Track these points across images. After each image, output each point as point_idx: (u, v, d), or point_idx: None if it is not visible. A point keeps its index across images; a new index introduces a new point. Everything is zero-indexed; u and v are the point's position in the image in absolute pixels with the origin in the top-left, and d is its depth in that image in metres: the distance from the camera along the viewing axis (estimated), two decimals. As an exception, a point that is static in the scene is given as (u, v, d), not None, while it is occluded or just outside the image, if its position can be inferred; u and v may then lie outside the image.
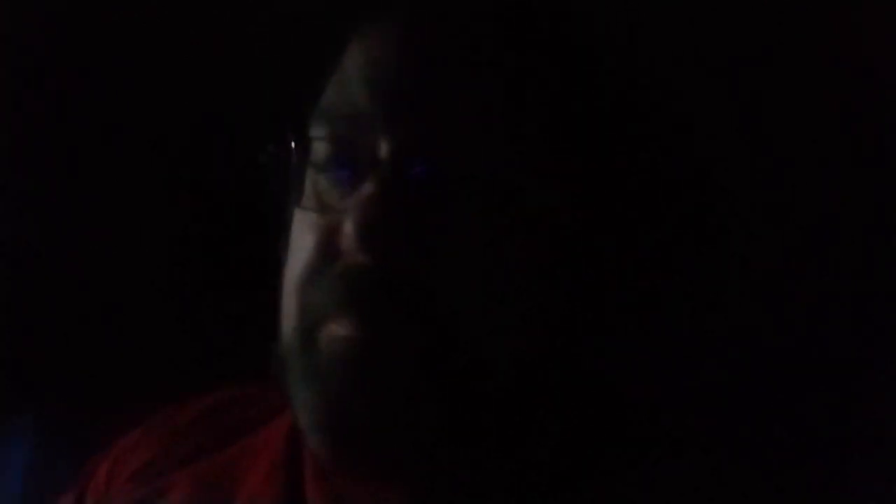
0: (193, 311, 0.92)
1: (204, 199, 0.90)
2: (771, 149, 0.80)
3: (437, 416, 0.62)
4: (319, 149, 0.65)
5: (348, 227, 0.61)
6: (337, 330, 0.62)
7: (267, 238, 0.69)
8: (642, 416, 0.70)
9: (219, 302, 0.90)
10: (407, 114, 0.62)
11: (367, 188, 0.61)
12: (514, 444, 0.65)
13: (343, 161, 0.64)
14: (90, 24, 0.90)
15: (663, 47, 0.71)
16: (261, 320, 0.67)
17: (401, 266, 0.61)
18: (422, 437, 0.62)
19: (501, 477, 0.65)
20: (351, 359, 0.61)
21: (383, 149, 0.62)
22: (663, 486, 0.65)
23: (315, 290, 0.63)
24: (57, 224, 0.96)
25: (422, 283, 0.61)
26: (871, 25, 0.78)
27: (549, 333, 0.65)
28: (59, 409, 0.96)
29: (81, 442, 0.85)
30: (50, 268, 0.95)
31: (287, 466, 0.70)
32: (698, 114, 0.72)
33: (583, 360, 0.68)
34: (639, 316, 0.69)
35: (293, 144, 0.65)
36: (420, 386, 0.61)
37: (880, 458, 0.75)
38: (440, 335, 0.61)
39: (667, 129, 0.69)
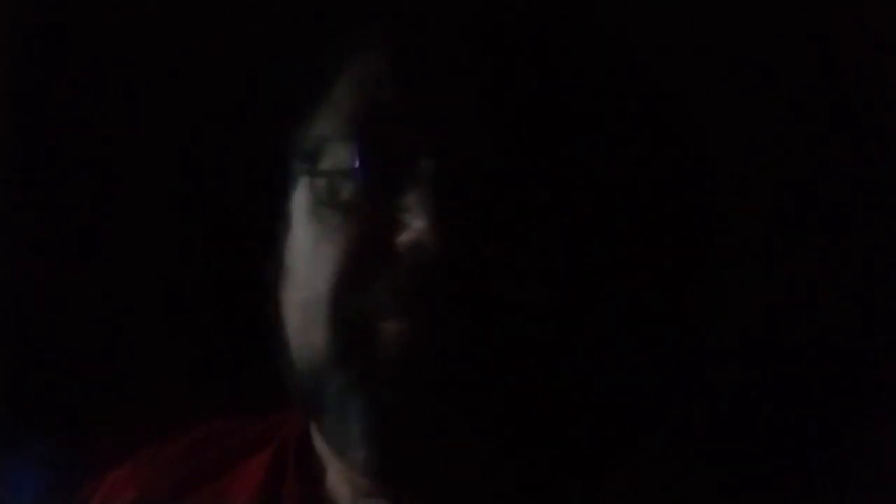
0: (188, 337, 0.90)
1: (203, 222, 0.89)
2: (768, 152, 0.79)
3: (515, 420, 0.62)
4: (341, 151, 0.64)
5: (417, 224, 0.60)
6: (395, 328, 0.61)
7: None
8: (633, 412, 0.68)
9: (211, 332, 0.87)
10: (438, 116, 0.62)
11: (422, 186, 0.61)
12: (584, 454, 0.64)
13: (371, 164, 0.63)
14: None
15: (657, 49, 0.70)
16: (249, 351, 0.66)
17: (469, 259, 0.61)
18: (497, 445, 0.62)
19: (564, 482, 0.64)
20: (419, 361, 0.60)
21: (423, 150, 0.61)
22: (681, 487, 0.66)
23: (362, 296, 0.62)
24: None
25: (490, 276, 0.61)
26: (871, 25, 0.77)
27: (615, 328, 0.64)
28: (73, 430, 0.94)
29: (95, 465, 0.83)
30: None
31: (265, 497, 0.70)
32: (697, 116, 0.71)
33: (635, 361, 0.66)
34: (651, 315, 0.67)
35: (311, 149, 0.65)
36: (496, 386, 0.61)
37: (880, 463, 0.74)
38: (514, 332, 0.61)
39: (671, 132, 0.68)
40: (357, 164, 0.63)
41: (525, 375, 0.61)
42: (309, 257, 0.64)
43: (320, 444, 0.68)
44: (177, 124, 0.85)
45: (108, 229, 0.91)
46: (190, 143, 0.86)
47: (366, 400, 0.61)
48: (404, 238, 0.61)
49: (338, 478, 0.67)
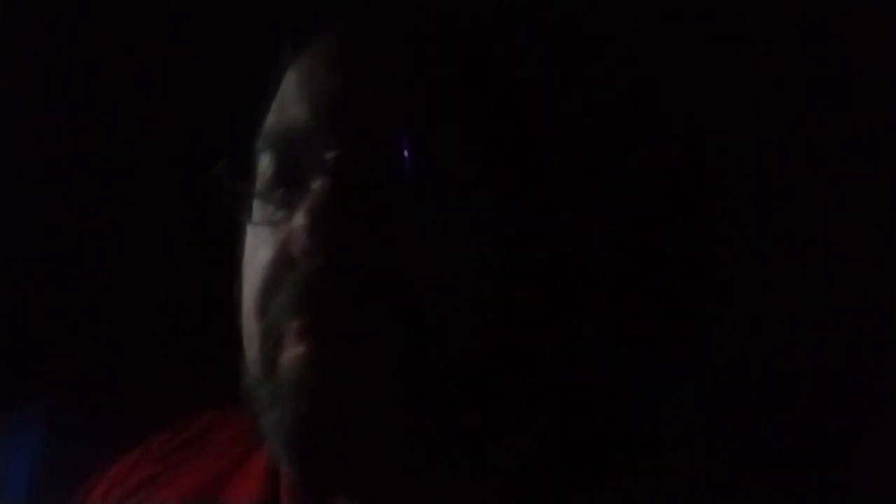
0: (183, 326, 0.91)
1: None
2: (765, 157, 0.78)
3: (414, 421, 0.61)
4: (266, 168, 0.65)
5: (298, 231, 0.60)
6: (298, 345, 0.60)
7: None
8: (628, 415, 0.70)
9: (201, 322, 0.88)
10: (343, 121, 0.62)
11: (314, 191, 0.60)
12: (495, 447, 0.64)
13: (290, 176, 0.64)
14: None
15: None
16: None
17: (356, 260, 0.60)
18: (401, 445, 0.61)
19: (482, 482, 0.64)
20: (316, 372, 0.60)
21: (326, 158, 0.61)
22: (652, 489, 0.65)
23: (272, 308, 0.62)
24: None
25: (378, 276, 0.60)
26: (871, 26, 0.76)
27: (521, 326, 0.64)
28: (70, 400, 0.96)
29: (91, 435, 0.88)
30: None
31: (265, 492, 0.70)
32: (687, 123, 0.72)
33: (560, 357, 0.66)
34: (613, 313, 0.68)
35: (238, 166, 0.65)
36: (392, 390, 0.60)
37: (878, 466, 0.73)
38: (406, 331, 0.60)
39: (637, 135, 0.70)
40: (275, 178, 0.64)
41: (442, 389, 0.60)
42: (247, 270, 0.65)
43: None
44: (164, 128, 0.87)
45: (118, 223, 0.93)
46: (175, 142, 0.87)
47: (278, 416, 0.60)
48: (294, 245, 0.60)
49: None
